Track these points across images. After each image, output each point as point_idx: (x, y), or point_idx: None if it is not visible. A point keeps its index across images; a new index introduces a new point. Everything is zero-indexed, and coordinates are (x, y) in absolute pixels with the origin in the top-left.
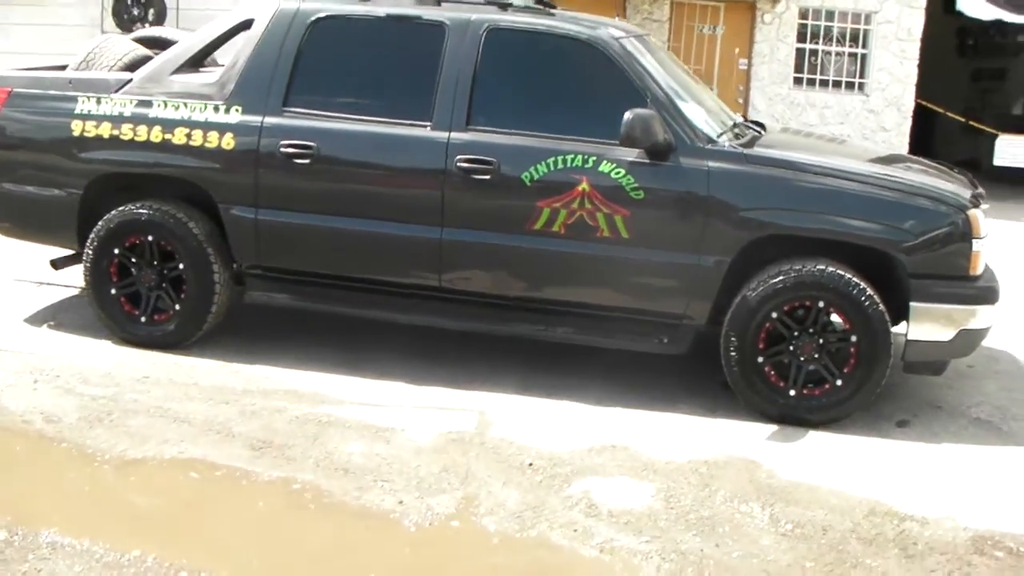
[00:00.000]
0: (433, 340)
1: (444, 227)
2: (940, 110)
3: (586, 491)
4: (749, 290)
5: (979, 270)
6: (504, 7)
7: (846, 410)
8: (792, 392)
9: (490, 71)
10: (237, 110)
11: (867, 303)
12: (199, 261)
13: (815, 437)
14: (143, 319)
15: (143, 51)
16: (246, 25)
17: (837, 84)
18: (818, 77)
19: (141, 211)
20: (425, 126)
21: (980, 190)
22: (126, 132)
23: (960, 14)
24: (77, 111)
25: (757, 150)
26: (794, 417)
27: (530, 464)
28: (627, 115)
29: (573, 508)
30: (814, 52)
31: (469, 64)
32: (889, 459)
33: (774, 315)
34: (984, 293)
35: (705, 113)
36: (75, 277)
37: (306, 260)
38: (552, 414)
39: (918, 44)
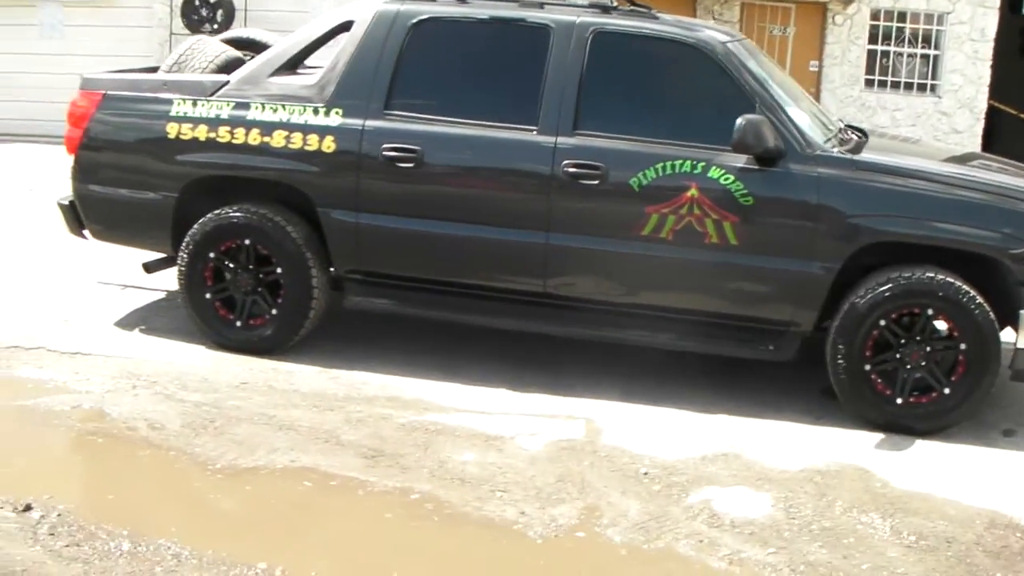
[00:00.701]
0: (530, 345)
1: (550, 232)
2: (1013, 111)
3: (706, 501)
4: (857, 297)
5: None
6: (607, 10)
7: (953, 419)
8: (899, 400)
9: (596, 75)
10: (338, 113)
11: (977, 311)
12: (297, 265)
13: (923, 446)
14: (239, 324)
15: (234, 53)
16: (345, 27)
17: (909, 86)
18: (889, 79)
19: (238, 214)
20: (531, 130)
21: None
22: (223, 135)
23: None
24: (173, 113)
25: (865, 156)
26: (901, 425)
27: (645, 473)
28: (739, 120)
29: (696, 518)
30: (886, 53)
31: (576, 68)
32: (1000, 469)
33: (882, 322)
34: None
35: (810, 119)
36: (161, 281)
37: (408, 265)
38: (659, 421)
39: (991, 45)
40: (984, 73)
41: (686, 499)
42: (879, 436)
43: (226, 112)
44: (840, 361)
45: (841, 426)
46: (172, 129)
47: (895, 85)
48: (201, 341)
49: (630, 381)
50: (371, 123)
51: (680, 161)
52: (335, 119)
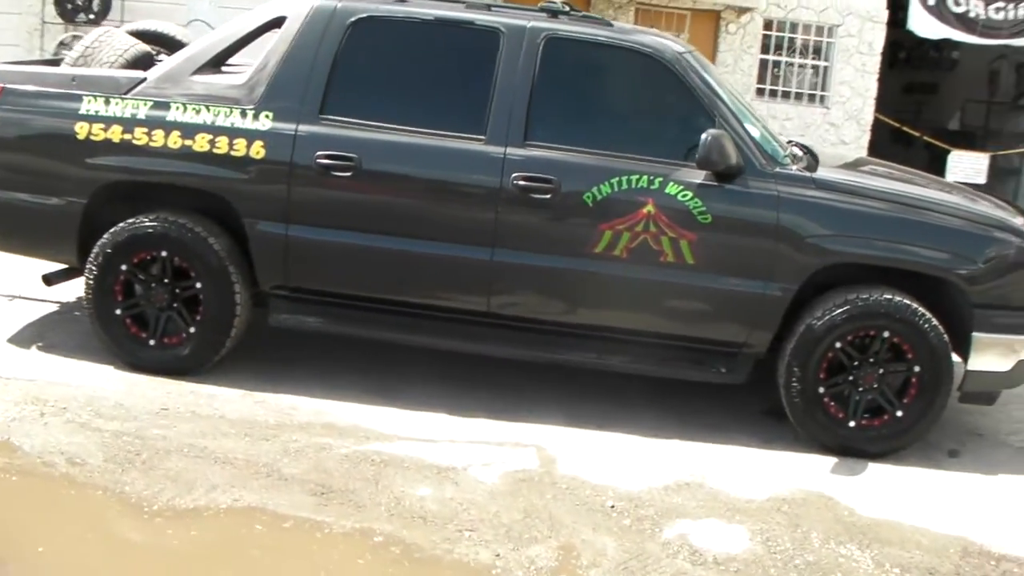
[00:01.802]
0: (465, 366)
1: (496, 248)
2: (897, 124)
3: (682, 536)
4: (814, 319)
5: None
6: (555, 14)
7: (905, 441)
8: (852, 423)
9: (548, 83)
10: (268, 116)
11: (932, 333)
12: (219, 280)
13: (876, 469)
14: (152, 342)
15: (144, 47)
16: (277, 23)
17: (799, 96)
18: (780, 88)
19: (154, 224)
20: (479, 140)
21: None
22: (140, 136)
23: (909, 32)
24: (83, 112)
25: (823, 174)
26: (853, 448)
27: (612, 506)
28: (705, 135)
29: (676, 555)
30: (777, 64)
31: (527, 75)
32: (954, 491)
33: (838, 344)
34: None
35: (764, 134)
36: (54, 292)
37: (341, 281)
38: (611, 448)
39: (879, 58)
40: (871, 86)
41: (661, 534)
42: (832, 460)
43: (143, 112)
44: (795, 384)
45: (793, 449)
46: (81, 129)
47: (786, 95)
48: (108, 360)
49: (573, 404)
50: (305, 128)
51: (636, 176)
52: (265, 123)
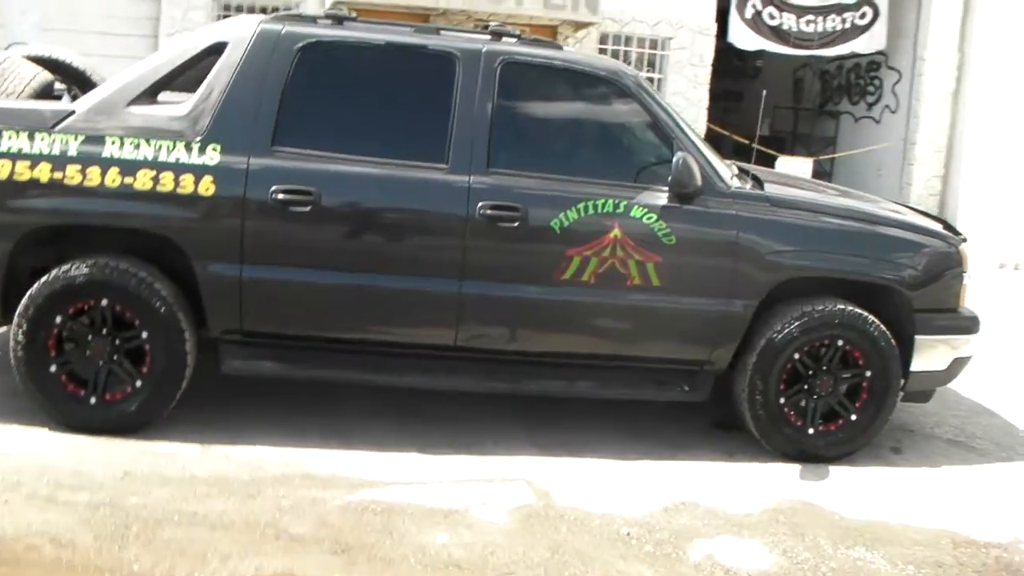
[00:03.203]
0: (414, 400)
1: (464, 280)
2: (727, 133)
3: (708, 556)
4: (774, 333)
5: (966, 302)
6: (500, 37)
7: (859, 443)
8: (811, 430)
9: (508, 109)
10: (215, 149)
11: (882, 340)
12: (167, 328)
13: (839, 472)
14: (92, 400)
15: (47, 75)
16: (217, 49)
17: None
18: None
19: (93, 270)
20: (441, 168)
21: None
22: (72, 175)
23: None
24: (3, 149)
25: (775, 192)
26: (812, 454)
27: (628, 533)
28: (676, 158)
29: None
30: None
31: (486, 100)
32: (917, 487)
33: (796, 356)
34: (972, 323)
35: (714, 155)
36: None
37: (301, 322)
38: (592, 474)
39: (709, 70)
40: (703, 96)
41: (687, 557)
42: (796, 467)
43: (74, 148)
44: (758, 397)
45: (756, 460)
46: (3, 168)
47: None
48: (39, 422)
49: (534, 431)
50: (257, 161)
51: (602, 201)
52: (213, 156)
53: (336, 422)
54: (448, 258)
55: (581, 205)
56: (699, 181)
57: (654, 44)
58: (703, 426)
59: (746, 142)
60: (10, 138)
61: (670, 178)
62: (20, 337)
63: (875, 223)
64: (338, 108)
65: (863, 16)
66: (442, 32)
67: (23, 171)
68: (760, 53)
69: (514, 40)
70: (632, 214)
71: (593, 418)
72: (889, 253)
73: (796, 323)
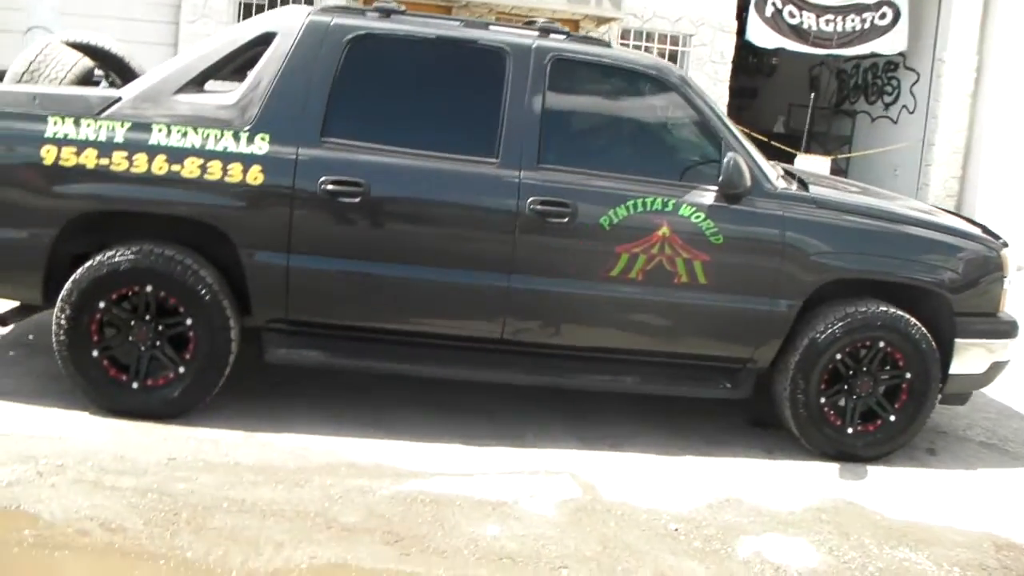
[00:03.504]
0: (449, 394)
1: (512, 274)
2: (743, 129)
3: (756, 552)
4: (817, 333)
5: (1006, 306)
6: (546, 32)
7: (897, 444)
8: (850, 430)
9: (558, 105)
10: (264, 139)
11: (923, 342)
12: (213, 315)
13: (877, 472)
14: (135, 385)
15: (88, 61)
16: (266, 39)
17: None
18: None
19: (138, 257)
20: (492, 163)
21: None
22: (119, 162)
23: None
24: (49, 134)
25: (821, 193)
26: (850, 454)
27: (676, 529)
28: (727, 159)
29: (763, 574)
30: None
31: (536, 96)
32: (955, 488)
33: (838, 356)
34: (1011, 327)
35: (760, 156)
36: None
37: (348, 312)
38: (636, 469)
39: (730, 67)
40: (723, 93)
41: (736, 553)
42: (835, 466)
43: (121, 134)
44: (800, 396)
45: (795, 458)
46: (49, 154)
47: None
48: (79, 406)
49: (576, 425)
50: (306, 152)
51: (651, 199)
52: (262, 146)
53: (377, 412)
54: (497, 252)
55: (631, 202)
56: (749, 181)
57: (675, 40)
58: (740, 423)
59: (763, 139)
60: (56, 124)
61: (720, 178)
62: (63, 321)
63: (918, 226)
64: (387, 101)
65: (883, 16)
66: (491, 27)
67: (69, 157)
68: (776, 51)
69: (563, 37)
70: (681, 212)
71: (632, 413)
72: (931, 256)
73: (840, 324)
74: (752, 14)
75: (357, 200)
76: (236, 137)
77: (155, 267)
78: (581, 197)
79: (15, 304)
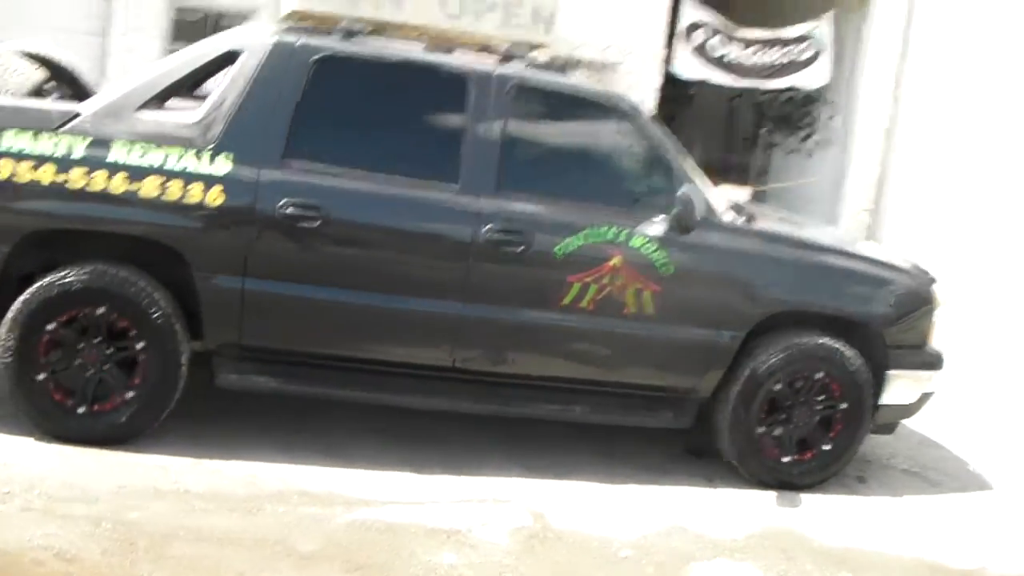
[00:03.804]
0: (398, 420)
1: (466, 302)
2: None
3: None
4: (758, 363)
5: (933, 339)
6: (508, 58)
7: (831, 472)
8: (786, 459)
9: (518, 132)
10: (227, 159)
11: (859, 374)
12: (164, 338)
13: (811, 500)
14: (81, 410)
15: (42, 72)
16: (231, 57)
17: None
18: None
19: (90, 277)
20: (451, 189)
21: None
22: (76, 179)
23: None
24: (4, 148)
25: (768, 227)
26: (787, 482)
27: (627, 556)
28: (681, 192)
29: None
30: None
31: (497, 123)
32: (882, 515)
33: (777, 387)
34: (937, 360)
35: (711, 188)
36: None
37: (301, 338)
38: (582, 497)
39: (657, 95)
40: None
41: None
42: (772, 493)
43: (80, 150)
44: (740, 426)
45: (734, 486)
46: (3, 168)
47: None
48: (24, 430)
49: (520, 454)
50: (267, 173)
51: (604, 228)
52: (223, 166)
53: (327, 439)
54: (452, 279)
55: (584, 232)
56: (699, 215)
57: (603, 68)
58: (678, 452)
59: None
60: (11, 137)
61: (674, 210)
62: (10, 343)
63: (857, 261)
64: (350, 123)
65: (804, 51)
66: (455, 51)
67: (24, 172)
68: (689, 82)
69: (523, 64)
70: (632, 243)
71: (572, 440)
72: (868, 289)
73: (781, 355)
74: (679, 45)
75: (316, 224)
76: (198, 156)
77: (108, 288)
78: (537, 225)
79: None
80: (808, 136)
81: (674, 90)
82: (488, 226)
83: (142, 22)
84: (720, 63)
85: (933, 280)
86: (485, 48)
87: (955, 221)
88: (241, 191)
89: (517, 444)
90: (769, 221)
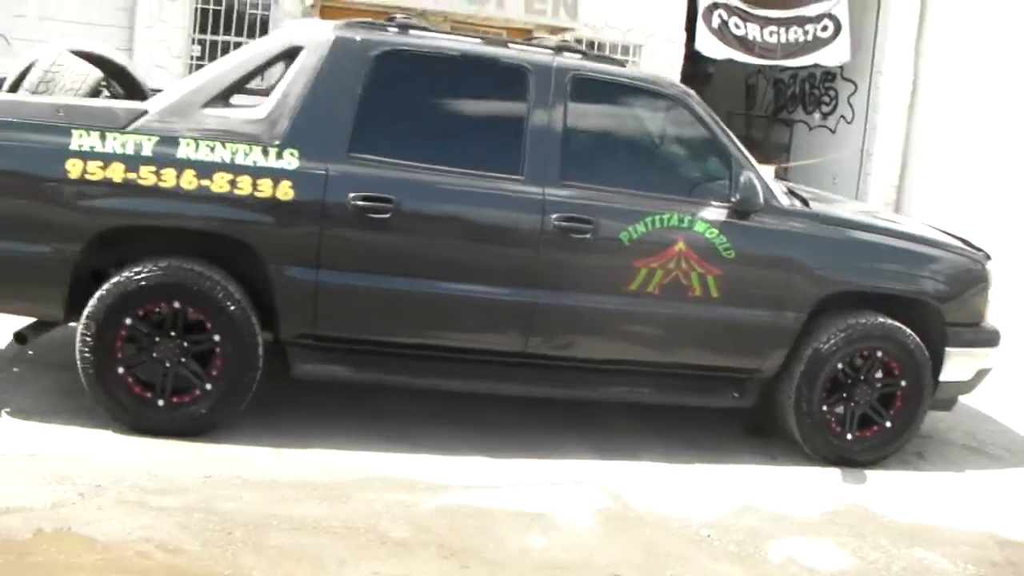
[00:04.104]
0: (459, 405)
1: (536, 288)
2: None
3: (788, 556)
4: (820, 343)
5: (988, 316)
6: (560, 51)
7: (891, 449)
8: (849, 436)
9: (578, 122)
10: (293, 154)
11: (917, 351)
12: (241, 331)
13: (872, 475)
14: (160, 403)
15: (98, 72)
16: (292, 53)
17: None
18: None
19: (166, 272)
20: (517, 179)
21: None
22: (146, 176)
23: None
24: (74, 147)
25: (823, 209)
26: (849, 459)
27: (708, 535)
28: (744, 177)
29: None
30: None
31: (558, 114)
32: (946, 489)
33: (839, 365)
34: (994, 336)
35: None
36: None
37: (374, 327)
38: (657, 477)
39: (678, 77)
40: None
41: (769, 557)
42: (835, 470)
43: (149, 148)
44: (804, 405)
45: (799, 464)
46: (74, 167)
47: None
48: (101, 423)
49: (590, 436)
50: (335, 167)
51: (668, 215)
52: (291, 161)
53: (397, 425)
54: (522, 267)
55: (649, 219)
56: (763, 199)
57: (626, 50)
58: (737, 431)
59: None
60: (81, 137)
61: (736, 196)
62: (89, 338)
63: (911, 240)
64: (413, 116)
65: (825, 29)
66: (510, 45)
67: (95, 171)
68: (713, 60)
69: (578, 56)
70: (696, 228)
71: (633, 423)
72: (925, 269)
73: (841, 334)
74: (700, 25)
75: (387, 216)
76: (265, 152)
77: (184, 282)
78: (602, 213)
79: (30, 321)
80: (830, 113)
81: (694, 68)
82: (555, 214)
83: (165, 13)
84: (741, 42)
85: (988, 257)
86: (529, 39)
87: (979, 195)
88: (310, 185)
89: (583, 427)
90: (823, 204)
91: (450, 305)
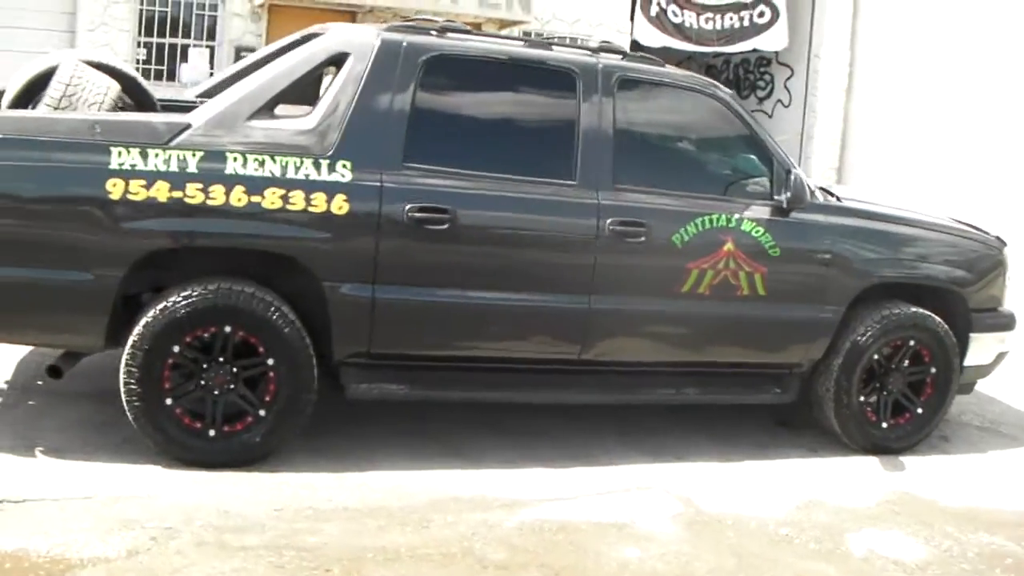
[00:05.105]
0: (498, 415)
1: (592, 295)
2: None
3: (869, 550)
4: (858, 335)
5: (1007, 300)
6: (597, 51)
7: (924, 434)
8: (884, 424)
9: (626, 124)
10: (346, 166)
11: (947, 339)
12: (296, 354)
13: (910, 462)
14: (212, 433)
15: (116, 84)
16: (338, 60)
17: None
18: None
19: (217, 295)
20: (570, 185)
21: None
22: (194, 194)
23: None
24: (114, 166)
25: (858, 204)
26: (885, 447)
27: (786, 534)
28: (793, 175)
29: (887, 570)
30: None
31: (607, 116)
32: (977, 471)
33: (875, 356)
34: (1011, 320)
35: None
36: None
37: (432, 343)
38: (712, 477)
39: None
40: None
41: (851, 551)
42: (874, 459)
43: (194, 164)
44: (843, 396)
45: (839, 455)
46: (115, 187)
47: None
48: (146, 457)
49: (636, 440)
50: (390, 179)
51: (716, 216)
52: (344, 174)
53: (449, 440)
54: (579, 274)
55: (699, 220)
56: (809, 195)
57: (573, 42)
58: (769, 424)
59: None
60: (121, 155)
61: (789, 194)
62: (134, 369)
63: (939, 231)
64: (464, 123)
65: (761, 15)
66: (554, 47)
67: (138, 190)
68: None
69: (619, 56)
70: (743, 228)
71: (669, 423)
72: (952, 257)
73: (877, 325)
74: (638, 14)
75: (444, 227)
76: (317, 165)
77: (236, 305)
78: (654, 216)
79: (60, 352)
80: (766, 97)
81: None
82: (610, 219)
83: (109, 16)
84: (679, 29)
85: (1005, 244)
86: (551, 38)
87: (917, 173)
88: (365, 198)
89: (622, 430)
90: (857, 200)
91: (507, 315)
